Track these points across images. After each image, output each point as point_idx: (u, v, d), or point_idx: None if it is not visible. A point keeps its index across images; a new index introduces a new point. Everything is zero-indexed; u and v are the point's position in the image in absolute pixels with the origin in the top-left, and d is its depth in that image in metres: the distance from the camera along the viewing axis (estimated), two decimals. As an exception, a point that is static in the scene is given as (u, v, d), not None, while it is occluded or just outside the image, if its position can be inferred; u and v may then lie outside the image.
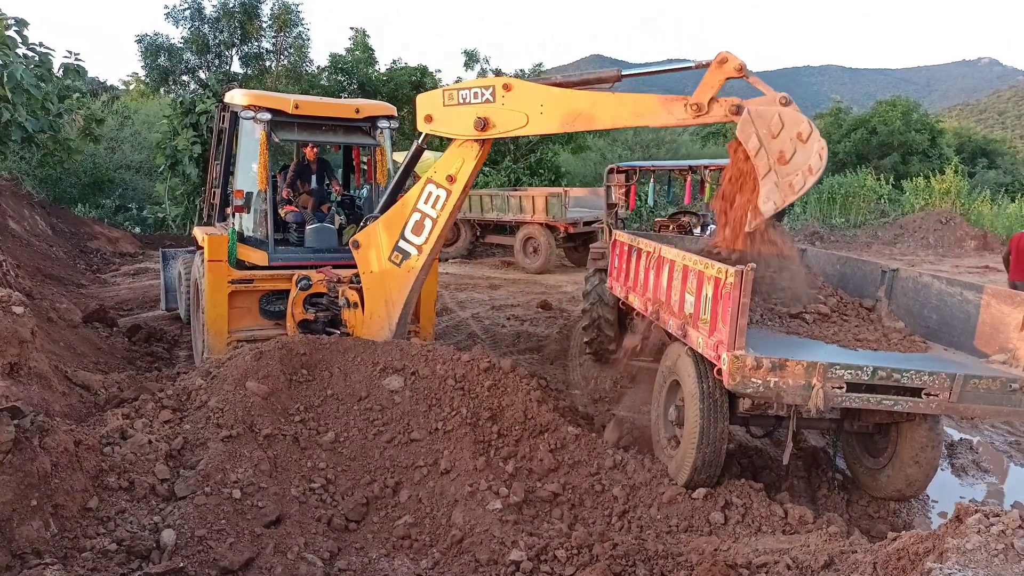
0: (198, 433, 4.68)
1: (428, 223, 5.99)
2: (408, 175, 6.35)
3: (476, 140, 5.71)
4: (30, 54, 13.02)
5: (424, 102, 5.89)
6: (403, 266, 6.14)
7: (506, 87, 5.44)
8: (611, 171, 9.29)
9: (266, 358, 5.35)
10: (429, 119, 5.85)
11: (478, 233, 18.28)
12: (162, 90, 22.79)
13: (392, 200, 6.28)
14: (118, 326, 9.04)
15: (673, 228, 12.56)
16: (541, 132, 5.53)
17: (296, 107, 6.94)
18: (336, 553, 4.19)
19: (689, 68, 5.06)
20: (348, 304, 6.53)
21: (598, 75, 5.33)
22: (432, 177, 5.93)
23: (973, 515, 3.08)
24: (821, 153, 4.36)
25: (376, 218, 6.29)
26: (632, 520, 4.79)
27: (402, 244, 6.11)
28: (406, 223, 6.06)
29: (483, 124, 5.56)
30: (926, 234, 22.72)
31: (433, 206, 5.95)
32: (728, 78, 4.66)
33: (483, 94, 5.53)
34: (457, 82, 25.46)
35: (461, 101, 5.64)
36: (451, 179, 5.88)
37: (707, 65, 4.80)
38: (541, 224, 16.28)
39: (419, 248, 6.08)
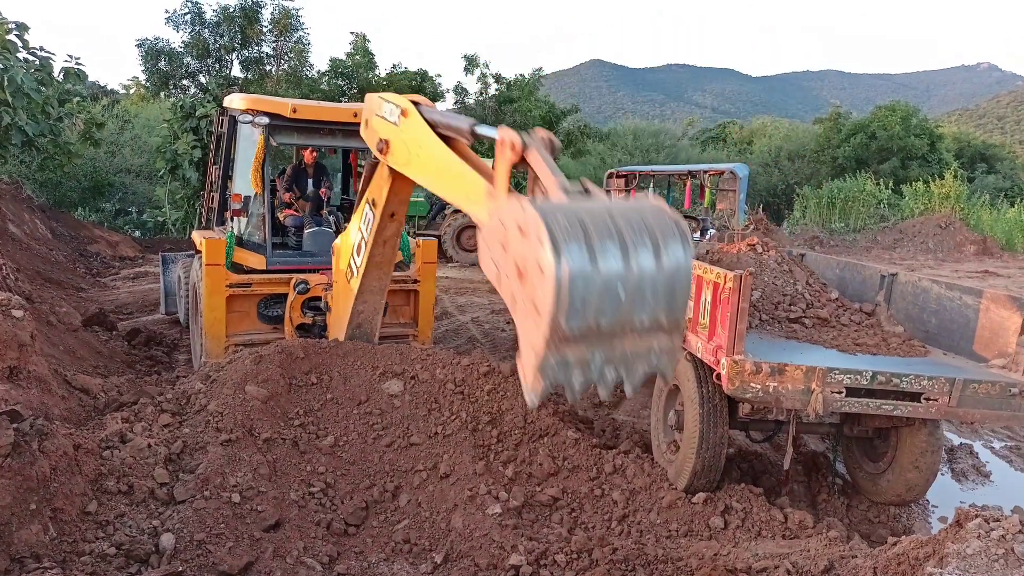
0: (197, 437, 4.67)
1: (363, 245, 5.64)
2: (366, 187, 5.86)
3: (385, 164, 5.13)
4: (31, 58, 13.04)
5: (367, 104, 5.33)
6: (351, 282, 5.89)
7: (404, 112, 4.75)
8: (611, 176, 9.32)
9: (265, 362, 5.35)
10: (366, 124, 5.29)
11: None
12: (162, 94, 22.81)
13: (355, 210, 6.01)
14: (118, 330, 9.04)
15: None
16: (417, 180, 4.83)
17: (294, 111, 6.94)
18: (335, 557, 4.18)
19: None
20: (327, 308, 6.56)
21: (459, 121, 4.42)
22: (366, 197, 5.56)
23: (973, 520, 3.09)
24: (540, 236, 2.60)
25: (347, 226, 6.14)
26: (632, 525, 4.79)
27: (351, 262, 5.84)
28: (354, 242, 5.77)
29: (384, 146, 4.98)
30: (925, 239, 22.75)
31: (367, 228, 5.57)
32: (512, 163, 3.61)
33: (393, 113, 4.88)
34: (456, 87, 25.60)
35: (383, 114, 5.04)
36: (374, 203, 5.45)
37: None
38: None
39: (357, 270, 5.75)
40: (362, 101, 5.51)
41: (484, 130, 4.14)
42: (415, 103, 4.81)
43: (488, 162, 4.34)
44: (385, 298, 6.18)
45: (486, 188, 3.88)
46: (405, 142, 4.80)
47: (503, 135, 3.60)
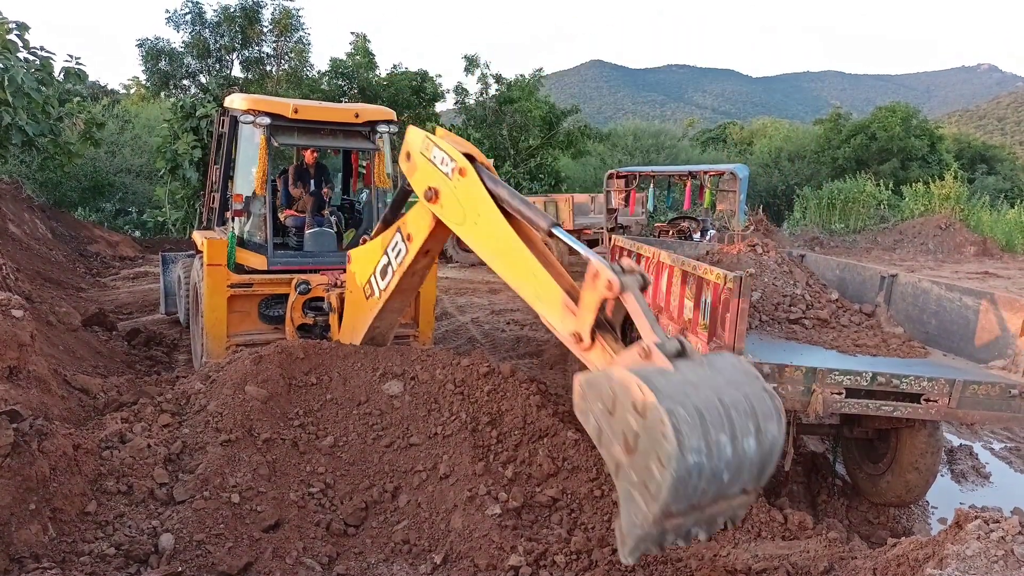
0: (197, 437, 4.67)
1: (389, 271, 5.53)
2: (399, 209, 5.86)
3: (428, 210, 4.99)
4: (31, 58, 13.05)
5: (410, 137, 5.19)
6: (369, 300, 5.81)
7: (462, 171, 4.62)
8: (611, 176, 9.32)
9: (265, 362, 5.35)
10: (408, 157, 5.17)
11: None
12: (163, 94, 22.81)
13: (384, 227, 5.90)
14: (117, 330, 9.04)
15: (673, 233, 12.57)
16: (467, 242, 4.73)
17: (295, 111, 6.95)
18: (335, 558, 4.19)
19: None
20: (331, 308, 6.54)
21: (536, 215, 4.34)
22: (401, 227, 5.40)
23: (973, 521, 3.09)
24: (664, 432, 2.80)
25: (368, 239, 6.06)
26: (631, 525, 4.78)
27: (372, 280, 5.73)
28: (378, 262, 5.65)
29: (433, 196, 4.84)
30: (925, 240, 22.76)
31: (396, 257, 5.46)
32: (604, 299, 3.62)
33: (447, 164, 4.74)
34: (456, 87, 25.59)
35: (431, 159, 4.89)
36: (409, 237, 5.30)
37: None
38: None
39: (380, 292, 5.65)
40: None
41: (565, 236, 4.11)
42: (470, 157, 4.67)
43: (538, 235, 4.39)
44: (402, 314, 6.12)
45: (563, 301, 3.92)
46: (459, 201, 4.67)
47: (601, 270, 3.54)
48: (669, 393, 2.90)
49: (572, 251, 4.35)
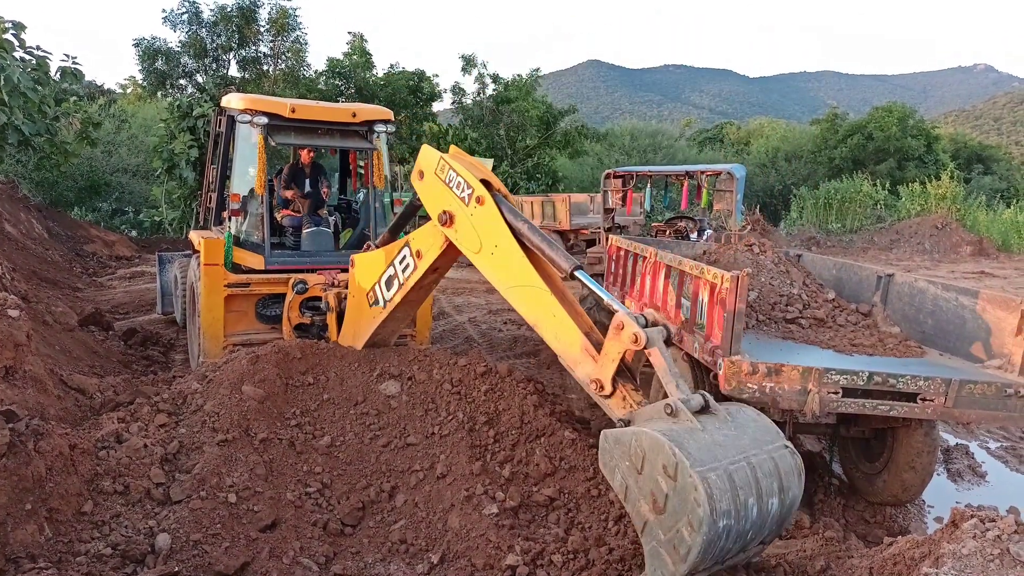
0: (194, 437, 4.67)
1: (396, 284, 5.50)
2: (407, 222, 5.90)
3: (441, 232, 4.97)
4: (27, 57, 13.02)
5: (424, 157, 5.17)
6: (373, 308, 5.78)
7: (479, 200, 4.60)
8: (608, 176, 9.33)
9: (262, 362, 5.35)
10: (421, 176, 5.16)
11: None
12: (159, 94, 22.76)
13: (391, 237, 5.92)
14: (114, 329, 9.03)
15: (670, 233, 12.58)
16: (481, 271, 4.74)
17: (292, 111, 6.94)
18: (332, 558, 4.18)
19: None
20: (328, 308, 6.53)
21: (558, 255, 4.31)
22: (410, 242, 5.36)
23: (969, 520, 3.09)
24: (696, 497, 2.93)
25: (374, 247, 6.02)
26: (629, 525, 4.77)
27: (377, 289, 5.70)
28: (383, 272, 5.61)
29: (447, 220, 4.81)
30: (922, 239, 22.81)
31: (404, 270, 5.42)
32: (626, 351, 3.71)
33: (464, 189, 4.71)
34: (454, 87, 25.57)
35: (446, 181, 4.86)
36: (419, 254, 5.26)
37: None
38: (555, 231, 16.26)
39: (386, 303, 5.62)
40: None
41: (588, 281, 4.10)
42: (487, 183, 4.63)
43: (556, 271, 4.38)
44: (407, 323, 6.10)
45: (583, 344, 4.00)
46: (476, 229, 4.65)
47: (627, 323, 3.61)
48: (700, 457, 3.03)
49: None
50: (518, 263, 4.42)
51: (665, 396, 3.56)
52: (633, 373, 3.92)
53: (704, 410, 3.43)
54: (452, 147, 5.29)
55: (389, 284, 5.54)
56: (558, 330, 4.20)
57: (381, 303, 5.64)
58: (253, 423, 4.84)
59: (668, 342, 3.72)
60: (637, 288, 6.47)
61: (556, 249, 4.32)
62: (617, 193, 9.78)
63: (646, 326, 3.71)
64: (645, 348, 3.60)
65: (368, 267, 5.81)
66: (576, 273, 4.19)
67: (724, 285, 4.51)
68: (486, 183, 4.68)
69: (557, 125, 26.64)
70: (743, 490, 3.06)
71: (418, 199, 5.34)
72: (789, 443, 3.39)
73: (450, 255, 5.10)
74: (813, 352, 5.20)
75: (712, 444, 3.17)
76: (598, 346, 3.96)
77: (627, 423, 3.67)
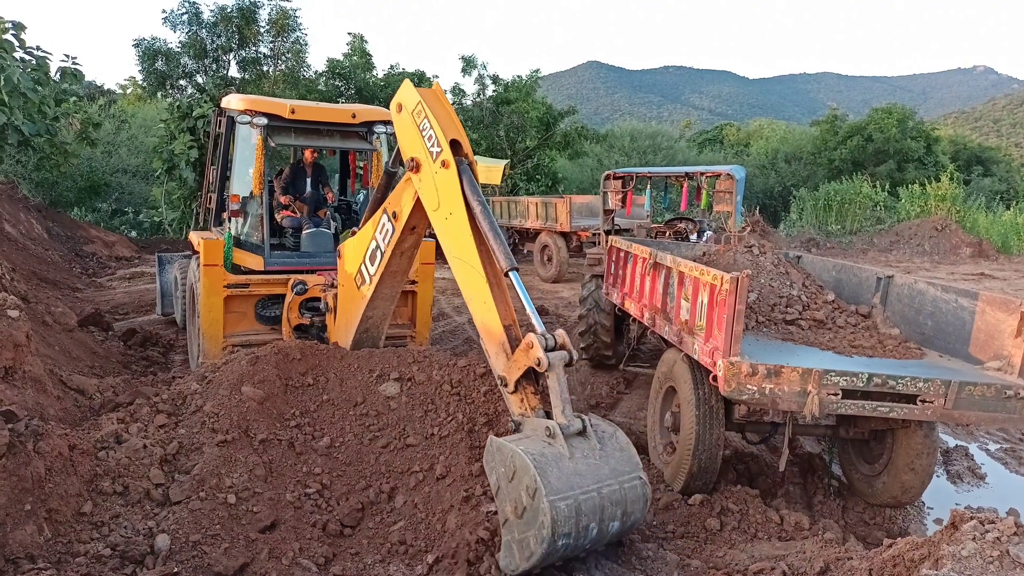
0: (193, 438, 4.66)
1: (379, 255, 5.58)
2: (383, 197, 5.89)
3: (412, 187, 5.13)
4: (27, 58, 13.02)
5: (404, 93, 5.21)
6: (361, 289, 5.84)
7: (444, 164, 4.74)
8: (607, 177, 9.33)
9: (262, 363, 5.35)
10: (399, 109, 5.22)
11: (516, 240, 18.27)
12: (159, 94, 22.74)
13: (370, 215, 5.97)
14: (114, 330, 9.02)
15: (669, 234, 12.58)
16: (434, 228, 4.92)
17: (292, 112, 6.94)
18: (331, 559, 4.18)
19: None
20: (327, 309, 6.54)
21: (500, 250, 4.49)
22: (387, 207, 5.50)
23: (968, 522, 3.09)
24: (544, 521, 3.52)
25: (356, 231, 6.10)
26: (628, 526, 4.78)
27: (363, 268, 5.78)
28: (367, 248, 5.70)
29: (415, 166, 4.97)
30: (922, 241, 22.82)
31: (384, 238, 5.52)
32: (529, 367, 4.10)
33: (434, 144, 4.83)
34: (454, 88, 25.58)
35: (420, 128, 4.97)
36: (395, 216, 5.38)
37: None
38: (556, 232, 16.28)
39: (370, 278, 5.69)
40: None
41: (518, 286, 4.40)
42: (457, 144, 4.78)
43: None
44: (395, 303, 6.15)
45: (502, 341, 4.36)
46: (437, 188, 4.82)
47: (535, 345, 4.01)
48: (558, 487, 3.61)
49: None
50: (465, 239, 4.62)
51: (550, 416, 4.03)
52: (538, 377, 4.24)
53: (581, 433, 3.91)
54: (435, 84, 5.41)
55: (373, 258, 5.67)
56: (484, 317, 4.51)
57: (367, 280, 5.72)
58: (252, 424, 4.84)
59: (570, 364, 4.10)
60: (636, 289, 6.47)
61: (500, 242, 4.52)
62: (617, 194, 9.76)
63: (554, 348, 4.06)
64: (545, 372, 3.98)
65: (353, 250, 5.93)
66: (510, 274, 4.44)
67: (724, 286, 4.51)
68: (456, 144, 4.80)
69: (557, 126, 26.65)
70: (587, 516, 3.65)
71: (391, 164, 5.62)
72: (643, 475, 3.92)
73: (423, 210, 5.19)
74: (813, 354, 5.20)
75: (573, 473, 3.72)
76: (515, 343, 4.32)
77: (518, 425, 4.17)
